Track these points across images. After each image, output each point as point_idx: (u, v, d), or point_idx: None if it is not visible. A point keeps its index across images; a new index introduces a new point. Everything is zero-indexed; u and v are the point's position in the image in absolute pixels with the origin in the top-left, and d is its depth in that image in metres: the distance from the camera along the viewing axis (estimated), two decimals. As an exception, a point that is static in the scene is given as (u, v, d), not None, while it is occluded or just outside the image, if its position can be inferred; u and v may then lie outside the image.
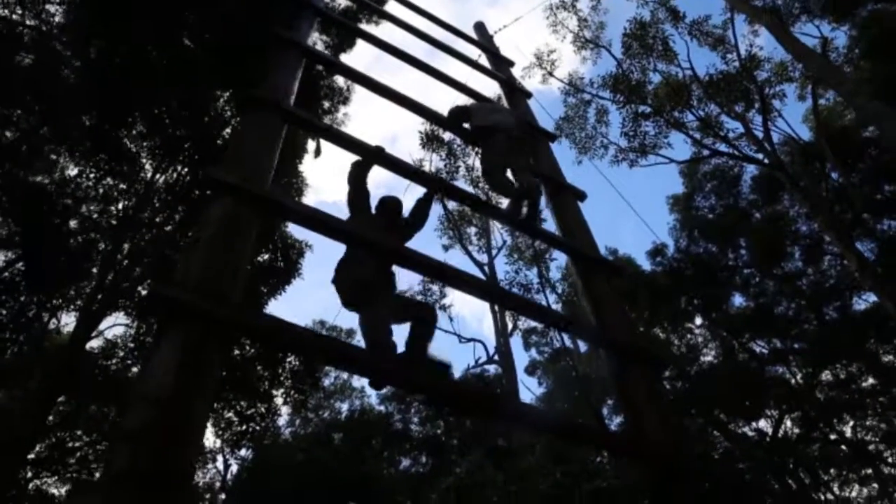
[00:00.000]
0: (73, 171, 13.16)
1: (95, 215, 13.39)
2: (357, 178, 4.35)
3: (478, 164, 20.39)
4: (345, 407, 20.22)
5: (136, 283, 13.51)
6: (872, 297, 16.17)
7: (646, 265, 18.83)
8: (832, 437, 16.65)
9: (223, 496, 16.22)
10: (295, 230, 14.27)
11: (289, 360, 12.67)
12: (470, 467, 7.89)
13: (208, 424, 14.48)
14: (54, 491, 15.56)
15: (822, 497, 17.20)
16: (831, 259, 18.53)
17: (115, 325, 20.80)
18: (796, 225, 18.78)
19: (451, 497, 7.44)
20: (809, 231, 18.52)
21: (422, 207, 4.71)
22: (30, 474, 14.50)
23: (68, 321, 18.43)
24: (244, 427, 12.41)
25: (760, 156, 17.78)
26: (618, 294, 4.73)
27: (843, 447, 16.72)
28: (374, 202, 4.53)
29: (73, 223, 12.46)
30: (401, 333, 3.78)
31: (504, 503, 7.32)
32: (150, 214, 13.38)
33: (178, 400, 2.12)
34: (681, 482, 3.41)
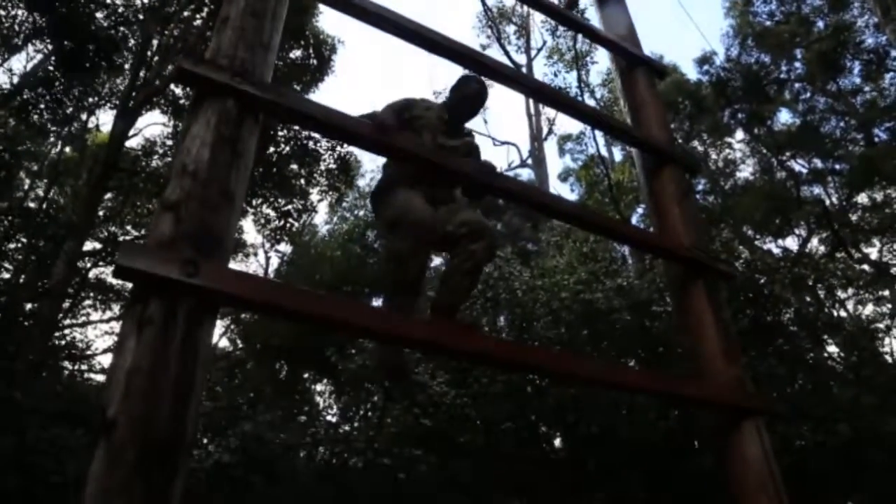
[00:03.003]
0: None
1: (122, 9, 12.95)
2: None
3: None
4: (380, 206, 20.60)
5: (170, 81, 13.42)
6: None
7: (693, 74, 17.86)
8: (857, 256, 16.81)
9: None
10: (327, 25, 13.75)
11: (324, 158, 12.87)
12: (498, 262, 8.24)
13: (248, 220, 15.20)
14: (112, 280, 16.87)
15: (836, 313, 17.73)
16: (893, 77, 17.38)
17: (152, 125, 21.10)
18: (862, 36, 17.35)
19: (477, 289, 7.87)
20: (875, 44, 17.14)
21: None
22: (88, 265, 15.62)
23: (106, 120, 18.63)
24: (282, 222, 12.95)
25: (836, -47, 15.95)
26: (657, 95, 4.56)
27: (866, 267, 16.94)
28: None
29: (99, 15, 12.08)
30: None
31: (529, 296, 7.76)
32: (178, 7, 12.89)
33: (214, 173, 2.18)
34: (702, 279, 3.52)
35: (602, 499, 6.64)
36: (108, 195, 14.74)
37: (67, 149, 17.70)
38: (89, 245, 14.29)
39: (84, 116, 15.73)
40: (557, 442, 9.01)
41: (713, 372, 3.24)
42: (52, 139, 16.14)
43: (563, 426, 7.41)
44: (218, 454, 7.67)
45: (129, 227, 16.18)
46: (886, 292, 19.28)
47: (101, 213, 14.69)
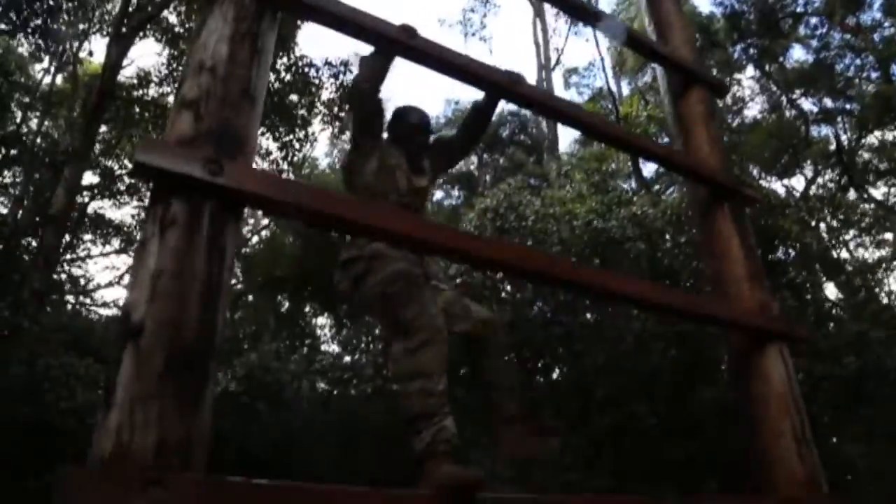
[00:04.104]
0: None
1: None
2: (372, 87, 2.65)
3: None
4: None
5: (162, 7, 13.00)
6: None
7: (705, 7, 17.33)
8: (864, 196, 16.73)
9: (265, 221, 17.35)
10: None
11: (325, 87, 12.57)
12: (508, 190, 8.09)
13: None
14: (110, 215, 16.77)
15: (837, 255, 17.78)
16: (915, 10, 16.81)
17: (145, 55, 20.63)
18: (885, -33, 16.71)
19: (486, 218, 7.77)
20: (898, -25, 16.53)
21: (477, 120, 2.99)
22: (87, 199, 15.45)
23: (98, 49, 18.11)
24: (283, 153, 12.68)
25: None
26: (683, 15, 4.36)
27: (872, 205, 16.87)
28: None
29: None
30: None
31: (539, 224, 7.65)
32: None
33: (234, 69, 2.04)
34: (727, 202, 3.43)
35: (609, 425, 6.75)
36: (104, 128, 14.45)
37: (59, 79, 17.26)
38: (86, 180, 14.09)
39: (76, 44, 15.28)
40: (556, 374, 9.10)
41: (739, 295, 3.18)
42: (44, 64, 15.75)
43: (572, 355, 7.45)
44: (225, 382, 7.78)
45: (125, 161, 15.92)
46: (888, 235, 19.30)
47: (97, 146, 14.43)
